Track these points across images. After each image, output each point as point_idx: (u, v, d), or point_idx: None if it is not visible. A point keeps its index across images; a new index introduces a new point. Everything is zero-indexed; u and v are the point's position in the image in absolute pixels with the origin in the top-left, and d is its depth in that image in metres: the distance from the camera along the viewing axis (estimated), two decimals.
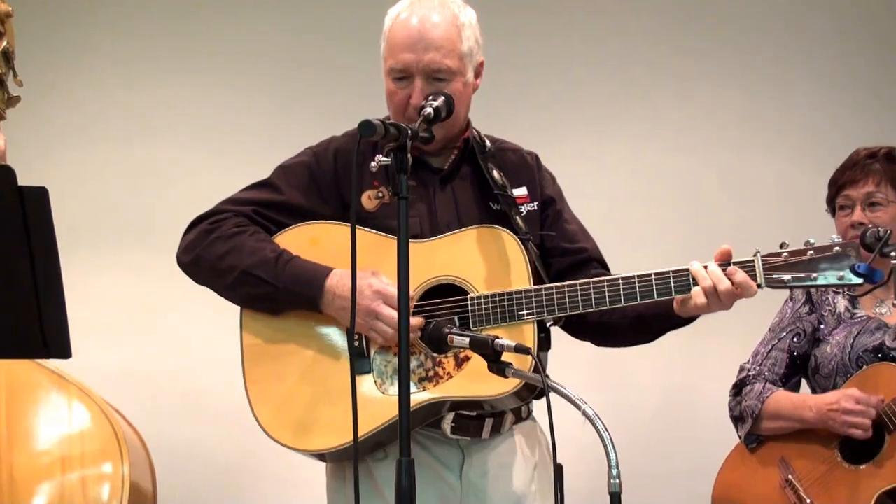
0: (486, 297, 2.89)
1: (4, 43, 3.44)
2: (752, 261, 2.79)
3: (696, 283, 2.78)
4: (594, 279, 2.86)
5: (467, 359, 2.87)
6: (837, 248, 2.74)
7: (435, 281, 2.91)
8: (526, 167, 3.15)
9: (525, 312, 2.86)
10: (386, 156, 2.55)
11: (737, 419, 3.66)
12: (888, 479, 3.41)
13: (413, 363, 2.90)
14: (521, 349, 2.65)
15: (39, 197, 2.20)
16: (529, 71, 4.88)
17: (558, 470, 3.19)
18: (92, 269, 4.70)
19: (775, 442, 3.61)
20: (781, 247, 2.78)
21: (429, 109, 2.78)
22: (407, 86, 2.95)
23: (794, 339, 3.68)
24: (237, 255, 2.96)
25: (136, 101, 5.06)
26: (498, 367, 2.69)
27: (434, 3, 3.01)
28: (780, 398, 3.60)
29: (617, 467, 2.49)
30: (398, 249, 2.50)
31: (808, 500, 3.49)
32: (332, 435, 2.91)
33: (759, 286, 2.78)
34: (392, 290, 2.83)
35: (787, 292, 3.74)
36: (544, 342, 2.92)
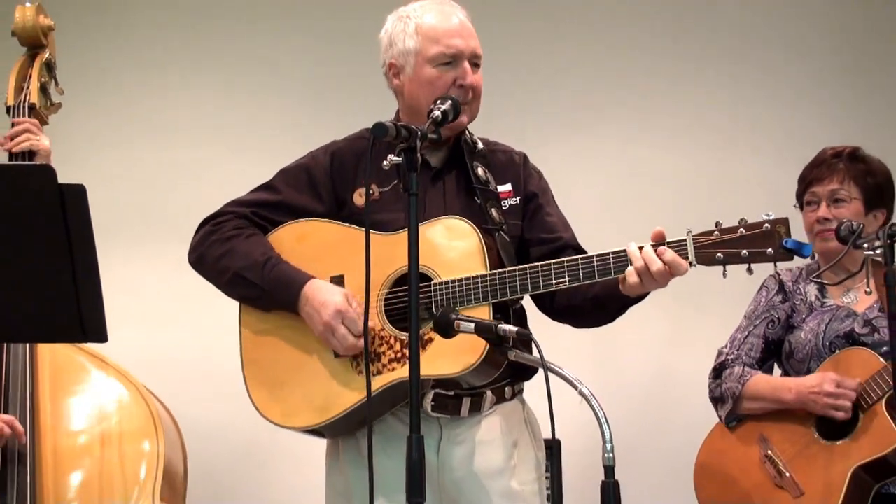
0: (446, 283, 2.89)
1: (47, 54, 3.45)
2: (684, 240, 2.73)
3: (630, 264, 2.75)
4: (542, 262, 2.85)
5: (431, 340, 2.86)
6: (767, 225, 2.67)
7: (403, 270, 2.89)
8: (513, 166, 3.16)
9: (481, 295, 2.85)
10: (397, 155, 2.55)
11: (717, 400, 3.63)
12: (864, 453, 3.38)
13: (383, 347, 2.93)
14: (522, 334, 2.67)
15: (78, 194, 2.19)
16: (525, 75, 4.85)
17: (556, 445, 3.19)
18: (125, 260, 4.70)
19: (754, 421, 3.58)
20: (716, 226, 2.72)
21: (437, 113, 2.78)
22: (450, 70, 3.01)
23: (769, 326, 3.65)
24: (231, 257, 3.02)
25: (164, 106, 5.06)
26: (501, 349, 2.71)
27: (451, 2, 3.10)
28: (760, 381, 3.57)
29: (611, 442, 2.49)
30: (409, 242, 2.51)
31: (788, 474, 3.47)
32: (313, 413, 2.96)
33: (691, 264, 2.72)
34: (352, 313, 2.88)
35: (760, 281, 3.72)
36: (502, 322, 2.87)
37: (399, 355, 2.89)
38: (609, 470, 2.48)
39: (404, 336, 2.89)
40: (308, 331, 2.98)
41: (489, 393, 2.99)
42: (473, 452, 2.97)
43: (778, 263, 2.74)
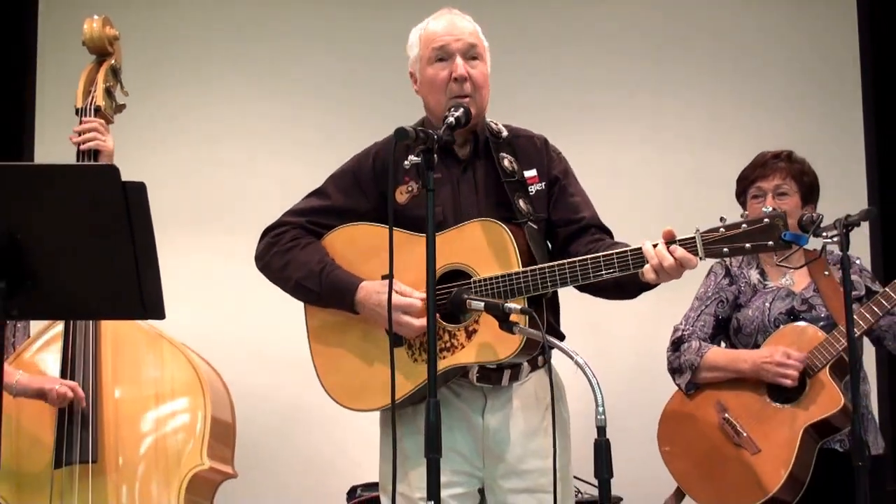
0: (484, 279, 2.78)
1: (113, 61, 3.41)
2: (693, 238, 2.63)
3: (646, 262, 2.65)
4: (568, 261, 2.74)
5: (475, 331, 2.78)
6: (767, 220, 2.57)
7: (447, 268, 2.81)
8: (535, 150, 3.01)
9: (514, 291, 2.74)
10: (416, 156, 2.50)
11: (675, 370, 3.55)
12: (812, 414, 3.33)
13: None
14: (525, 311, 2.60)
15: (139, 190, 2.18)
16: (524, 79, 4.80)
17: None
18: (183, 248, 4.65)
19: (710, 389, 3.50)
20: (721, 221, 2.62)
21: (451, 119, 2.70)
22: (447, 66, 2.87)
23: (719, 306, 3.57)
24: (292, 268, 2.92)
25: (213, 113, 5.01)
26: (507, 325, 2.63)
27: (456, 11, 2.98)
28: (717, 353, 3.50)
29: (602, 406, 2.43)
30: (427, 236, 2.45)
31: (745, 434, 3.40)
32: (375, 399, 2.86)
33: (700, 258, 2.63)
34: (404, 300, 2.79)
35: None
36: (532, 302, 2.78)
37: (448, 345, 2.80)
38: (601, 430, 2.43)
39: (451, 327, 2.80)
40: (364, 325, 2.89)
41: (525, 363, 2.90)
42: (512, 416, 2.89)
43: None
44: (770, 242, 2.56)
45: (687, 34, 4.99)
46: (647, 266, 2.63)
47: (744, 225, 2.59)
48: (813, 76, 4.91)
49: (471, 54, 2.88)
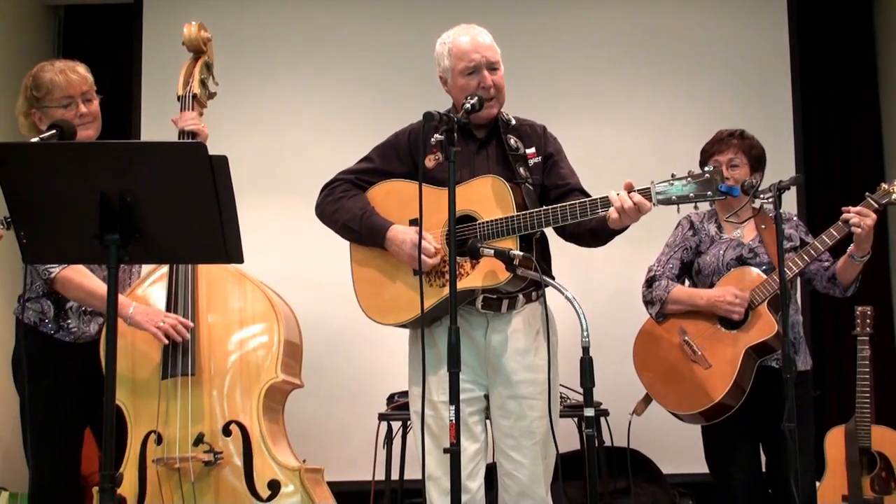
0: (487, 222, 2.80)
1: (206, 58, 3.39)
2: (649, 188, 2.65)
3: (611, 205, 2.67)
4: (551, 206, 2.76)
5: (477, 262, 2.79)
6: (707, 175, 2.61)
7: (459, 213, 2.79)
8: (535, 134, 3.04)
9: (509, 230, 2.77)
10: (441, 134, 2.54)
11: (648, 302, 3.53)
12: (752, 338, 3.31)
13: (445, 267, 2.85)
14: (526, 257, 2.61)
15: (222, 162, 2.16)
16: (529, 75, 4.79)
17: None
18: (261, 210, 4.70)
19: (674, 317, 3.47)
20: (671, 176, 2.64)
21: (468, 105, 2.75)
22: (474, 77, 2.91)
23: (684, 252, 3.53)
24: (340, 212, 2.96)
25: (285, 103, 5.04)
26: (511, 267, 2.64)
27: (475, 26, 3.00)
28: (680, 291, 3.47)
29: (587, 331, 2.45)
30: (449, 196, 2.49)
31: (700, 353, 3.37)
32: (400, 314, 2.90)
33: (654, 204, 2.64)
34: (424, 244, 2.79)
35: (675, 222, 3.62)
36: (526, 249, 2.80)
37: (457, 273, 2.78)
38: (585, 350, 2.45)
39: (460, 259, 2.80)
40: (394, 259, 2.92)
41: (520, 296, 2.90)
42: (509, 337, 2.89)
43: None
44: (709, 192, 2.58)
45: (653, 42, 5.00)
46: (611, 208, 2.65)
47: (689, 178, 2.61)
48: (752, 72, 4.95)
49: (492, 67, 2.91)
